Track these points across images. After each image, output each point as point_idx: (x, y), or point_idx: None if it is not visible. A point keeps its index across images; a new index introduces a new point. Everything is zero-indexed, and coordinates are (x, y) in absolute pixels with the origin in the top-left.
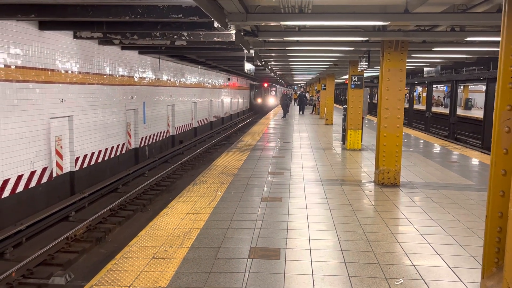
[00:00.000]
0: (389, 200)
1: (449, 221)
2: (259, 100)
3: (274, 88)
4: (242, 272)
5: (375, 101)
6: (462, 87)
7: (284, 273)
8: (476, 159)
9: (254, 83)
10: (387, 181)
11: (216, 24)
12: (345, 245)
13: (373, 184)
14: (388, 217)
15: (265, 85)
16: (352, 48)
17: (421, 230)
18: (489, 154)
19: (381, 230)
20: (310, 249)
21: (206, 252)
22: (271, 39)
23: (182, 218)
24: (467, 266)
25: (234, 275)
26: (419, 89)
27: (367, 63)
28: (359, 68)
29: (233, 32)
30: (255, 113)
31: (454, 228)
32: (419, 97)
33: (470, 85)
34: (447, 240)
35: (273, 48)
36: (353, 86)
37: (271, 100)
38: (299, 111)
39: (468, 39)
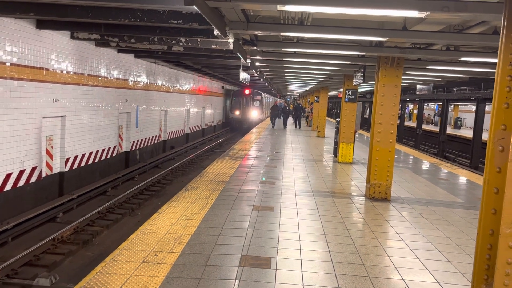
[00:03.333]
0: (379, 214)
1: (438, 237)
2: (237, 113)
3: (259, 97)
4: (233, 280)
5: (366, 116)
6: (452, 106)
7: (275, 282)
8: (464, 177)
9: (233, 88)
10: (378, 195)
11: (216, 32)
12: (336, 257)
13: (363, 197)
14: (378, 231)
15: (247, 91)
16: (348, 62)
17: (410, 245)
18: (477, 173)
19: (371, 243)
20: (301, 260)
21: (197, 258)
22: (270, 49)
23: (173, 223)
24: (455, 282)
25: (225, 283)
26: (410, 106)
27: (362, 78)
28: (354, 82)
29: (231, 40)
30: (232, 130)
31: (443, 244)
32: (410, 114)
33: (460, 105)
34: (436, 256)
35: (270, 58)
36: (347, 100)
37: (254, 113)
38: (295, 125)
39: (462, 58)
